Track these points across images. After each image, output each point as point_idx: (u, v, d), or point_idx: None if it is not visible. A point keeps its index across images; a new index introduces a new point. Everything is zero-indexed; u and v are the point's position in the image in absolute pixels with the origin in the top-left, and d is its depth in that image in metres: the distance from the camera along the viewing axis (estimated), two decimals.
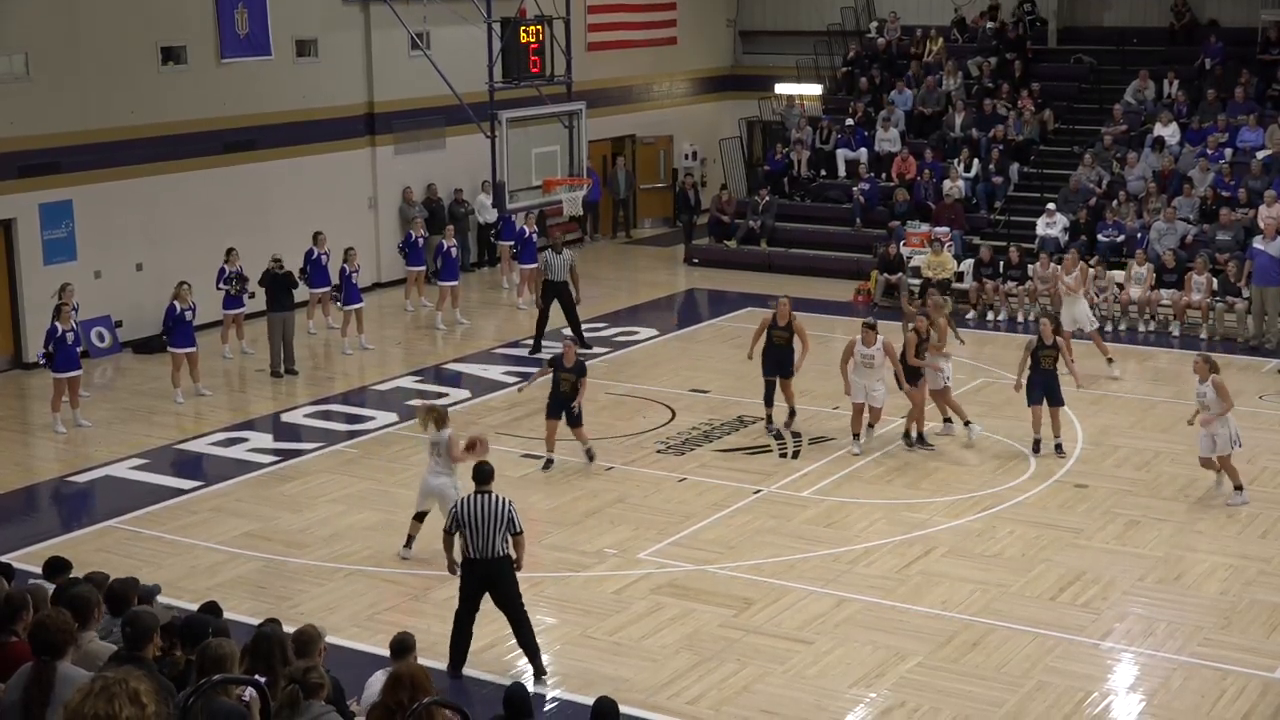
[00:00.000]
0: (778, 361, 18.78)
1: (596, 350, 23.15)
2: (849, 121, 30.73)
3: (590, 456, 17.66)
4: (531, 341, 22.98)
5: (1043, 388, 17.89)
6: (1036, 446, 17.92)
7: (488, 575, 12.08)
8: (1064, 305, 22.26)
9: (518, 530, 12.04)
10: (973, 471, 17.42)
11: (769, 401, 18.93)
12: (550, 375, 17.75)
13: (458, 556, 12.24)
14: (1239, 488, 16.26)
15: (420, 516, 14.87)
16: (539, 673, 12.20)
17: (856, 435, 18.04)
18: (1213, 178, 26.05)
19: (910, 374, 18.01)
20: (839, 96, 32.37)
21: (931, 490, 16.82)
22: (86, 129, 22.92)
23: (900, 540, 15.25)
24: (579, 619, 12.96)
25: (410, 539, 14.92)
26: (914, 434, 18.25)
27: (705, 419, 19.47)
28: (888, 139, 29.91)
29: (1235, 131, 27.21)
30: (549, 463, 17.67)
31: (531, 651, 12.23)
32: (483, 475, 12.28)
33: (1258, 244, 23.23)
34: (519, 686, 9.48)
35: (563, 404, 17.48)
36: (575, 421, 17.53)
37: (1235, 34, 29.43)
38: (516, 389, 20.42)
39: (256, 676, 7.46)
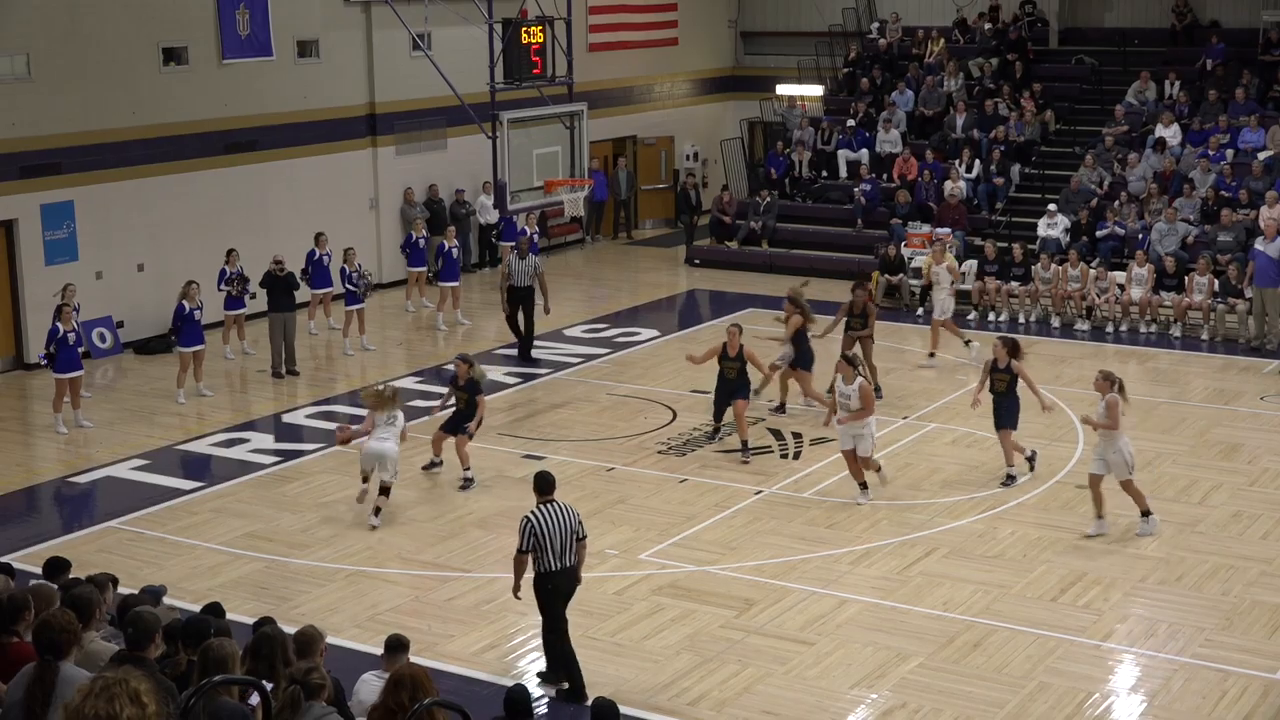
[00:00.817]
0: (729, 393, 18.15)
1: (598, 350, 23.17)
2: (850, 122, 30.74)
3: (466, 484, 17.08)
4: (517, 350, 22.85)
5: (995, 410, 17.14)
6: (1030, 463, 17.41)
7: (563, 584, 11.84)
8: (933, 291, 22.81)
9: (583, 535, 11.92)
10: (974, 472, 17.41)
11: (718, 417, 18.60)
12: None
13: (529, 575, 11.84)
14: (1146, 514, 15.37)
15: (366, 479, 15.91)
16: (554, 680, 12.10)
17: (863, 485, 16.46)
18: (1214, 179, 26.05)
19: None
20: (840, 97, 32.37)
21: (933, 491, 16.82)
22: (88, 129, 22.93)
23: (901, 541, 15.25)
24: (580, 620, 12.93)
25: (377, 510, 15.81)
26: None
27: (706, 420, 19.44)
28: (889, 140, 29.92)
29: (1236, 132, 27.21)
30: (433, 464, 17.61)
31: (570, 660, 12.09)
32: (545, 485, 11.93)
33: (1259, 245, 23.22)
34: (520, 688, 9.47)
35: (458, 420, 17.14)
36: (461, 431, 17.08)
37: (1236, 35, 29.44)
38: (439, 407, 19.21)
39: (258, 678, 7.46)
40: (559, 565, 11.72)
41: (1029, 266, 24.97)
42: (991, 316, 24.94)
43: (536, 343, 22.92)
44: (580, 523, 11.88)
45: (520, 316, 22.62)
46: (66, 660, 7.29)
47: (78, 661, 7.67)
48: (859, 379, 16.21)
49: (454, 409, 17.30)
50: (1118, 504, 16.32)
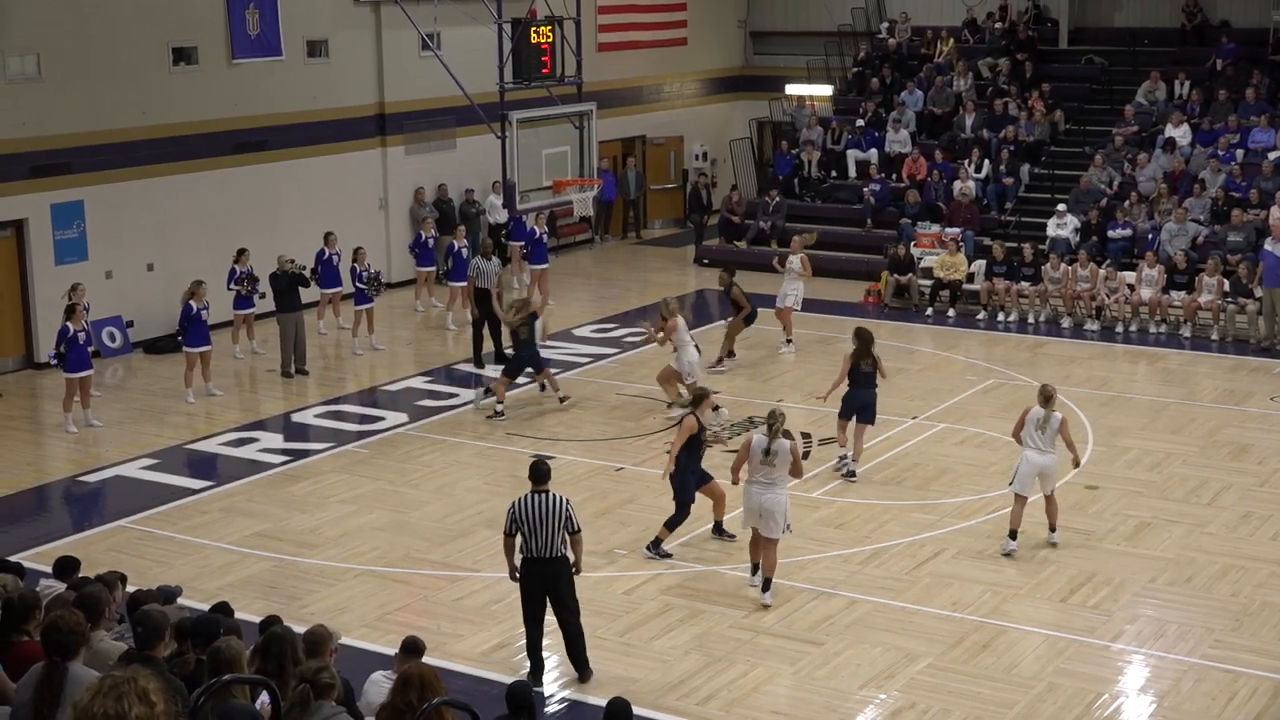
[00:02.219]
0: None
1: (607, 350, 23.17)
2: (859, 122, 30.71)
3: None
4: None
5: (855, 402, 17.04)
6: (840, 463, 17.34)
7: (546, 575, 11.94)
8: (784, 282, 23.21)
9: (575, 529, 11.92)
10: (983, 473, 17.39)
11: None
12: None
13: (518, 559, 12.03)
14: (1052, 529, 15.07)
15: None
16: (582, 674, 12.20)
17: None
18: (1224, 179, 26.00)
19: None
20: (849, 97, 32.34)
21: (942, 492, 16.80)
22: (98, 129, 22.96)
23: (911, 541, 15.24)
24: (589, 620, 12.92)
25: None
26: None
27: (713, 420, 19.43)
28: (898, 140, 29.89)
29: (1247, 132, 27.16)
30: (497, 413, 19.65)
31: (578, 655, 12.18)
32: (540, 474, 12.09)
33: (1268, 245, 23.17)
34: (521, 684, 9.47)
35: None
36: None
37: (1247, 35, 29.39)
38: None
39: (268, 677, 7.47)
40: (538, 554, 11.82)
41: (1038, 266, 24.93)
42: (1001, 317, 24.91)
43: (547, 343, 22.91)
44: (570, 517, 11.86)
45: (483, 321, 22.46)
46: (75, 661, 7.32)
47: (86, 661, 7.69)
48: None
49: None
50: (1129, 505, 16.30)
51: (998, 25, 31.83)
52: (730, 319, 22.38)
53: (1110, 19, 31.73)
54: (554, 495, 11.96)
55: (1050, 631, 13.11)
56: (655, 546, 14.94)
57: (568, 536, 11.91)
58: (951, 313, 25.27)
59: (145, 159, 23.55)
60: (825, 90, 33.26)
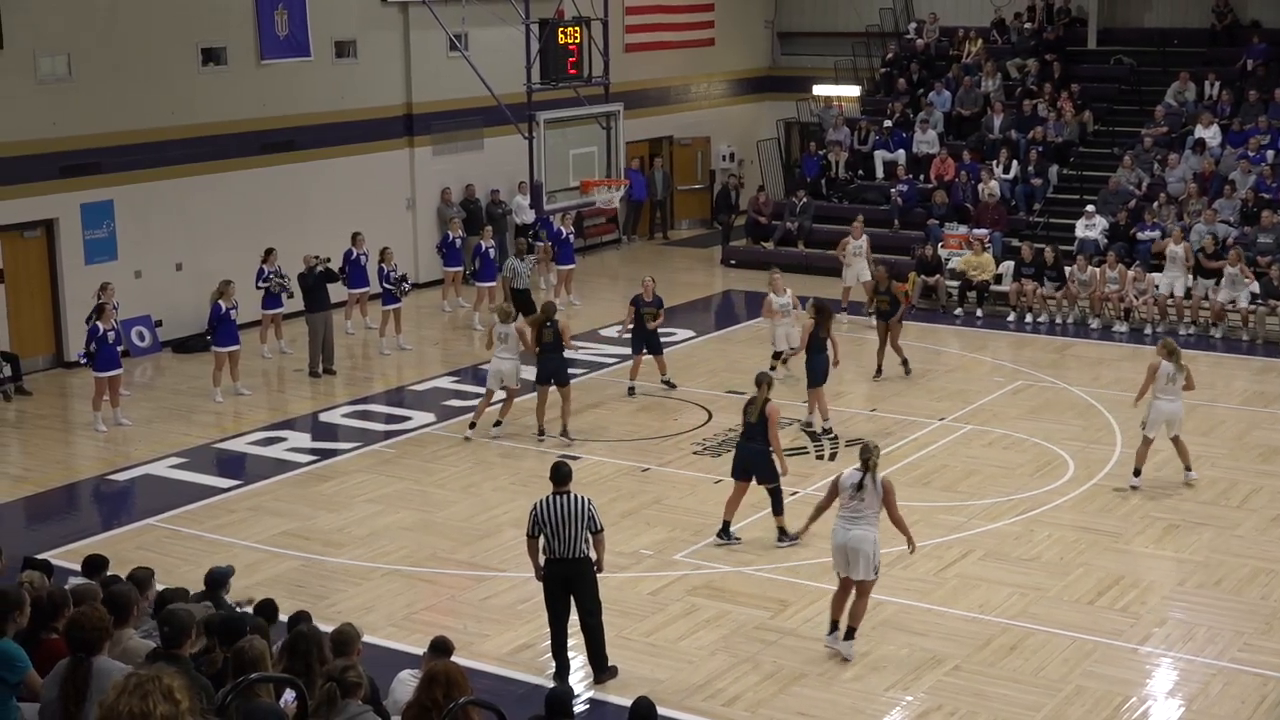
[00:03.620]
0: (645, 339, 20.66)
1: (615, 352, 23.14)
2: (887, 123, 30.64)
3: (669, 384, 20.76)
4: None
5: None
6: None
7: (568, 576, 11.98)
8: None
9: (598, 529, 11.96)
10: (1011, 475, 17.33)
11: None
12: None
13: (541, 559, 12.06)
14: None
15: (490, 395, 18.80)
16: (598, 674, 12.22)
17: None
18: (1254, 180, 25.86)
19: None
20: (877, 98, 32.28)
21: (969, 493, 16.76)
22: (127, 129, 23.08)
23: (938, 543, 15.19)
24: (615, 620, 12.95)
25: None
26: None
27: (737, 421, 19.41)
28: (925, 140, 29.80)
29: (1277, 133, 26.99)
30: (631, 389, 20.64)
31: (597, 655, 12.21)
32: (561, 476, 12.13)
33: None
34: (561, 689, 9.43)
35: (644, 337, 20.51)
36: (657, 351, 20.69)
37: (1278, 35, 29.19)
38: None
39: (294, 676, 7.49)
40: (560, 554, 11.86)
41: (1061, 269, 24.80)
42: (1029, 318, 24.78)
43: (572, 342, 22.88)
44: (593, 516, 11.88)
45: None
46: (100, 656, 7.38)
47: (117, 658, 7.73)
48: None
49: (634, 328, 20.43)
50: (1157, 507, 16.24)
51: (1026, 25, 31.71)
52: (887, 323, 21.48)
53: (1140, 19, 31.58)
54: (576, 496, 12.00)
55: (1078, 634, 13.06)
56: (783, 535, 15.16)
57: (590, 536, 11.93)
58: (979, 313, 25.19)
59: (174, 159, 23.66)
60: (853, 91, 33.19)
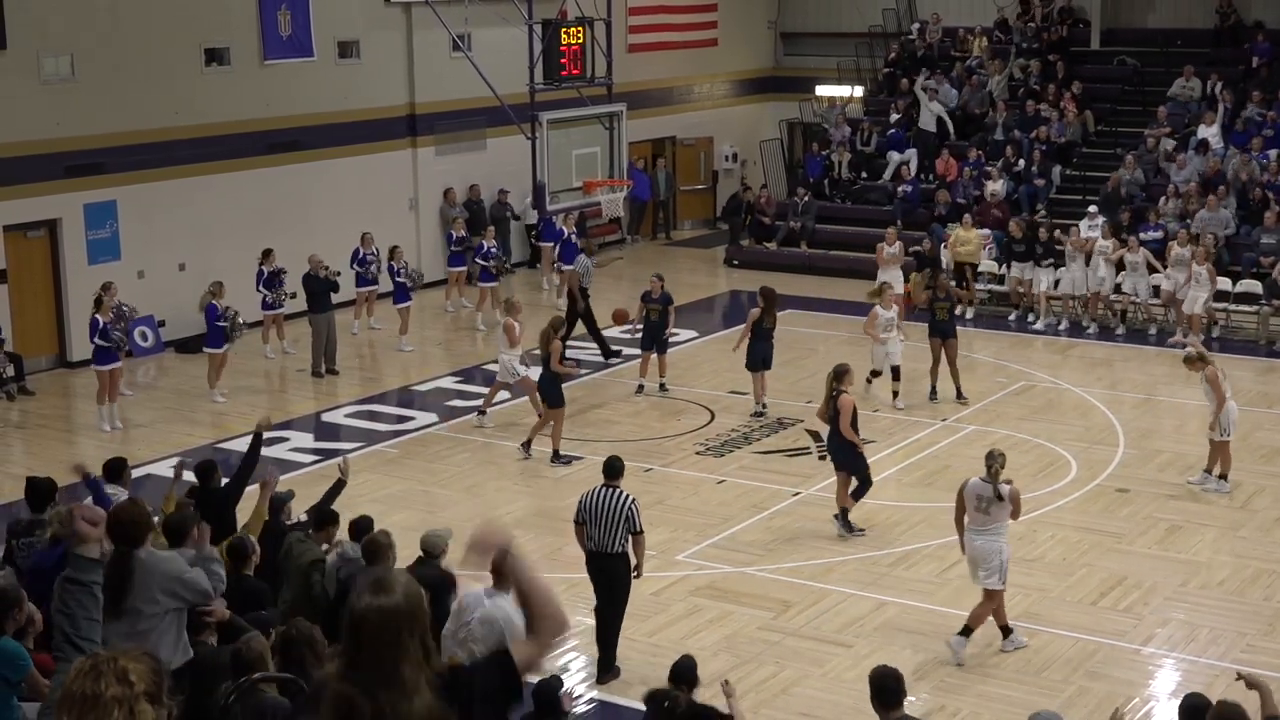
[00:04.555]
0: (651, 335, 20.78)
1: (637, 351, 23.12)
2: (895, 115, 30.48)
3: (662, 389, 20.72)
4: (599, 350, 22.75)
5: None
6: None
7: (603, 570, 12.14)
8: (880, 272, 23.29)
9: (636, 530, 12.11)
10: (1014, 476, 17.25)
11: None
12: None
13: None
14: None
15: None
16: (604, 668, 12.32)
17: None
18: (1256, 171, 25.78)
19: None
20: (880, 98, 32.26)
21: None
22: (131, 129, 23.08)
23: (940, 544, 15.18)
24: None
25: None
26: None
27: (744, 421, 19.45)
28: (931, 109, 29.65)
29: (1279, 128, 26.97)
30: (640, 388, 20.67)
31: (607, 647, 12.31)
32: (611, 470, 12.35)
33: None
34: (549, 682, 9.46)
35: (653, 334, 20.57)
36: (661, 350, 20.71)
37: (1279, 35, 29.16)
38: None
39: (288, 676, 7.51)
40: (596, 548, 12.06)
41: (1054, 246, 24.52)
42: (1031, 319, 24.59)
43: (574, 343, 22.94)
44: (631, 517, 12.02)
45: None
46: (144, 548, 7.98)
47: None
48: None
49: (644, 325, 20.52)
50: (1160, 508, 16.22)
51: (1030, 25, 31.66)
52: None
53: (1143, 20, 31.54)
54: (620, 493, 12.15)
55: (1081, 635, 13.06)
56: (844, 520, 15.35)
57: (630, 536, 12.04)
58: (969, 314, 24.71)
59: (178, 159, 23.66)
60: (856, 91, 33.17)
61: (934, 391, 20.16)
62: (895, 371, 19.90)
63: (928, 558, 14.88)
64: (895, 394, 19.81)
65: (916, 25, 33.23)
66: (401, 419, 20.06)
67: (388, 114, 27.10)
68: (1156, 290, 23.69)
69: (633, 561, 12.20)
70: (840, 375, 15.37)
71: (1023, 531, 15.47)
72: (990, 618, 12.67)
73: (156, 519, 9.55)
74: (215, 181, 24.18)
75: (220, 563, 8.76)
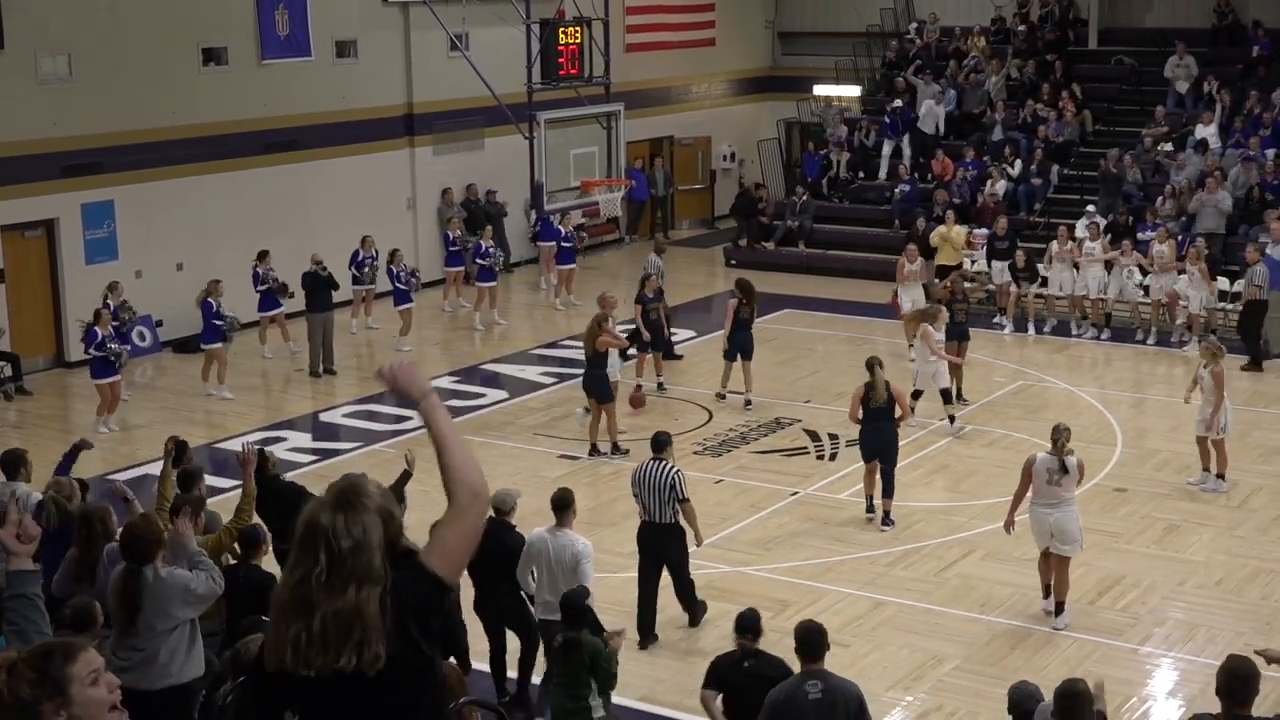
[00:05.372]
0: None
1: (634, 351, 23.13)
2: (897, 103, 30.42)
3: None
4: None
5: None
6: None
7: (656, 538, 12.81)
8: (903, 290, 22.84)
9: (682, 498, 12.73)
10: (1011, 475, 17.24)
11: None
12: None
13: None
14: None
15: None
16: (692, 621, 13.15)
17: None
18: (1255, 174, 25.78)
19: None
20: (878, 98, 32.26)
21: (970, 493, 16.76)
22: (128, 129, 23.08)
23: (939, 543, 15.20)
24: (615, 620, 12.92)
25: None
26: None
27: (742, 420, 19.45)
28: (929, 101, 29.62)
29: (1279, 131, 26.96)
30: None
31: (687, 603, 13.10)
32: (658, 443, 13.08)
33: (1269, 250, 22.70)
34: (577, 591, 10.09)
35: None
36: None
37: (1278, 35, 29.13)
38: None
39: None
40: (649, 518, 12.81)
41: (1034, 267, 24.28)
42: (1016, 323, 24.34)
43: (572, 342, 22.89)
44: (675, 486, 12.67)
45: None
46: (151, 564, 8.10)
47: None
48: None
49: (647, 326, 20.48)
50: (1158, 508, 16.24)
51: (1020, 28, 31.61)
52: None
53: (1140, 19, 31.56)
54: (666, 464, 12.83)
55: (1079, 634, 13.06)
56: (887, 519, 15.65)
57: (678, 505, 12.71)
58: (957, 317, 24.36)
59: (175, 159, 23.66)
60: (853, 91, 33.18)
61: (960, 394, 19.81)
62: (945, 394, 18.82)
63: (926, 557, 14.88)
64: (952, 418, 18.76)
65: (914, 25, 33.24)
66: (400, 419, 20.03)
67: (385, 114, 27.09)
68: (1146, 290, 23.58)
69: (686, 531, 12.87)
70: (874, 367, 15.51)
71: (1020, 531, 15.46)
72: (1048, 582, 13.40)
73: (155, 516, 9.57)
74: (213, 181, 24.17)
75: (204, 554, 8.76)
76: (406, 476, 12.45)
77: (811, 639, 8.85)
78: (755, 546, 15.20)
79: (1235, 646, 12.71)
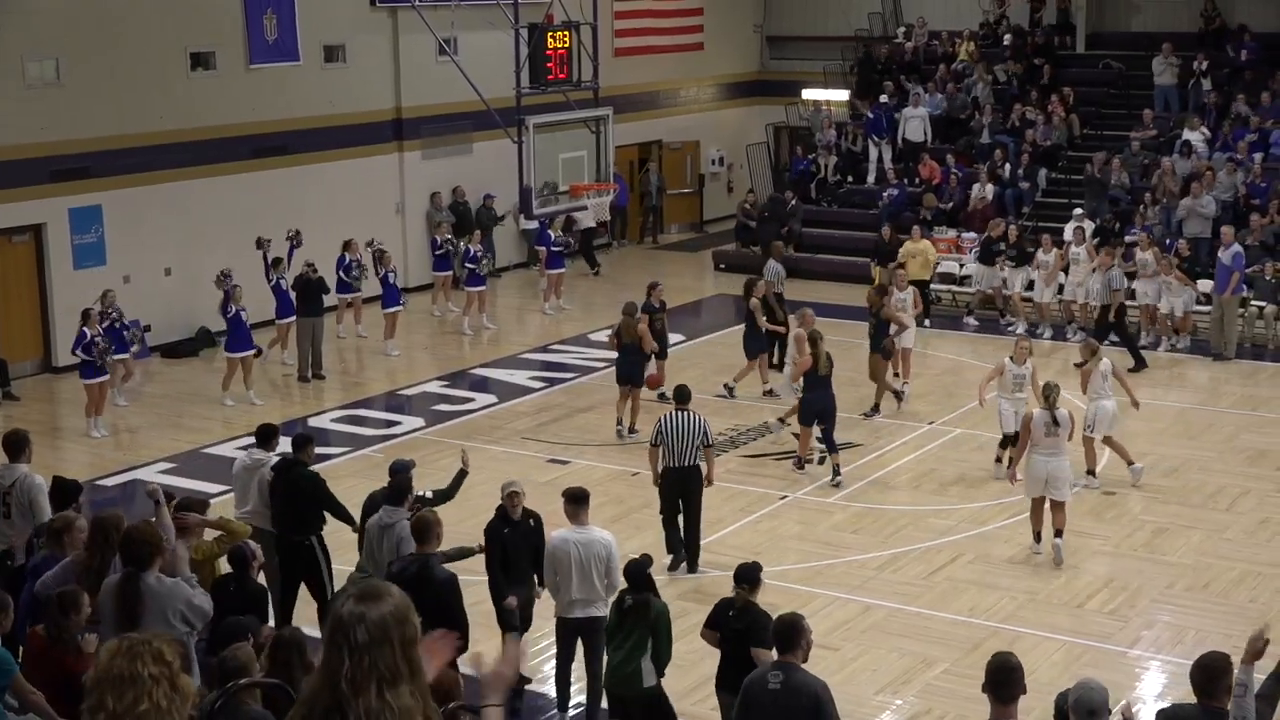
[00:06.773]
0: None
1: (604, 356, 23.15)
2: (883, 98, 30.46)
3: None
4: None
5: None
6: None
7: (682, 480, 14.31)
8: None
9: (709, 443, 14.43)
10: (1001, 478, 17.33)
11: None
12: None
13: (660, 467, 14.46)
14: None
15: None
16: (692, 565, 14.48)
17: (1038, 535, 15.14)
18: (1241, 177, 25.85)
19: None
20: (866, 101, 32.27)
21: (958, 496, 16.78)
22: (117, 134, 23.05)
23: (927, 546, 15.22)
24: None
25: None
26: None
27: (732, 424, 19.45)
28: (915, 117, 29.67)
29: (1266, 135, 27.01)
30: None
31: (692, 547, 14.49)
32: (683, 396, 14.76)
33: (1219, 254, 22.74)
34: (640, 560, 10.87)
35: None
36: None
37: (1266, 39, 29.22)
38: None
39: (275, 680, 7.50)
40: (676, 463, 14.27)
41: (1022, 247, 24.47)
42: (1021, 328, 24.43)
43: (561, 347, 22.93)
44: (706, 432, 14.33)
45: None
46: (150, 571, 8.15)
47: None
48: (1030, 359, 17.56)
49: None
50: (1146, 511, 16.27)
51: (1006, 36, 31.63)
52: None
53: (1127, 23, 31.63)
54: (693, 414, 14.46)
55: (1067, 637, 13.09)
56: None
57: (702, 450, 14.26)
58: (927, 321, 24.37)
59: (164, 163, 23.62)
60: (842, 95, 33.21)
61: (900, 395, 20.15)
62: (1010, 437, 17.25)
63: (914, 561, 14.90)
64: (998, 459, 17.46)
65: (902, 29, 33.29)
66: (389, 423, 20.04)
67: (374, 118, 27.08)
68: (1133, 294, 23.56)
69: (703, 469, 14.33)
70: (815, 341, 16.89)
71: (1008, 535, 15.51)
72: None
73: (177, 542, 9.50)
74: (202, 186, 24.14)
75: (195, 579, 8.80)
76: (463, 475, 13.19)
77: (785, 631, 8.99)
78: (745, 550, 15.15)
79: (1223, 649, 12.74)
